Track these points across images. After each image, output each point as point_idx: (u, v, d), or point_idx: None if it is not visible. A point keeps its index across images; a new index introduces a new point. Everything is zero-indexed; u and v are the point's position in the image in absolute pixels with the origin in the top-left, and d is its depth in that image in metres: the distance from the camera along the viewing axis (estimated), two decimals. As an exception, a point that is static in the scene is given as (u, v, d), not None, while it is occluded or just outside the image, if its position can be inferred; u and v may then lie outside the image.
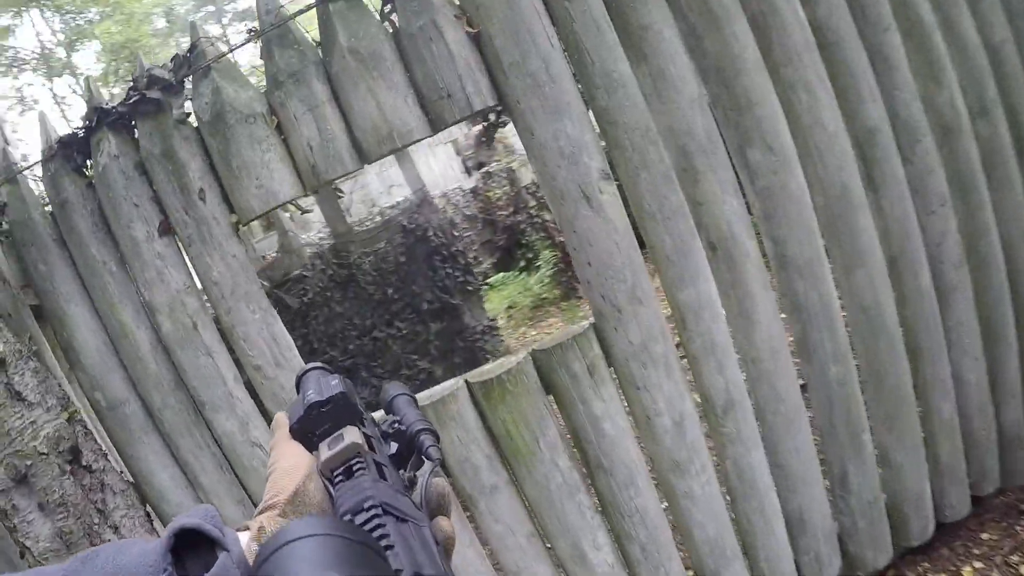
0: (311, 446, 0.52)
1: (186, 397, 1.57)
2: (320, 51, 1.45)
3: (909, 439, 1.63)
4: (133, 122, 1.53)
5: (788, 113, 1.47)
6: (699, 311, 1.45)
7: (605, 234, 1.40)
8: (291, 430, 0.53)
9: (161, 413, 1.58)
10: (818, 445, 1.62)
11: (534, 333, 5.49)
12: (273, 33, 1.44)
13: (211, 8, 19.69)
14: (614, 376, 1.50)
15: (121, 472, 1.64)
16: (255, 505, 1.39)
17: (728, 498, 1.62)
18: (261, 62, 1.49)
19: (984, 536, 1.74)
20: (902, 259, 1.57)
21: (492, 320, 5.00)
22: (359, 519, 0.39)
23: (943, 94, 1.55)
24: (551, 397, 1.49)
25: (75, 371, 1.63)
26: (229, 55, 1.49)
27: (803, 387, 1.57)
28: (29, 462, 1.38)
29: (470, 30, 1.38)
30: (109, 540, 1.54)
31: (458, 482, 1.48)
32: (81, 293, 1.59)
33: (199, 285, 1.54)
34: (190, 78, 1.51)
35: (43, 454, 1.46)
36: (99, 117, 1.53)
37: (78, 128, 1.57)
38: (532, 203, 6.13)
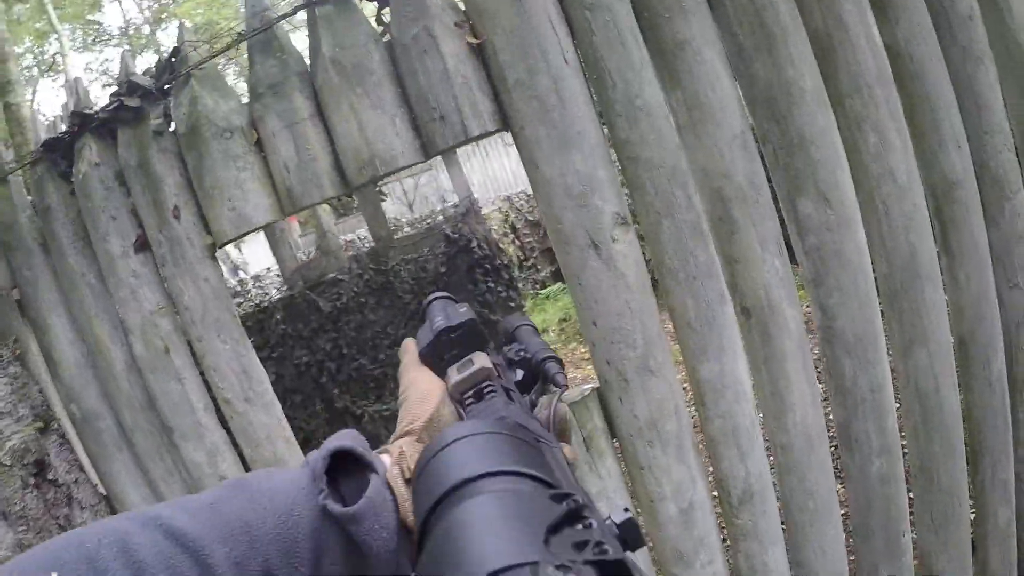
0: (440, 371, 0.46)
1: (157, 420, 1.24)
2: (308, 61, 1.07)
3: (957, 545, 1.16)
4: (116, 128, 1.19)
5: (851, 157, 1.01)
6: (722, 389, 1.02)
7: (615, 292, 0.98)
8: (420, 355, 0.47)
9: (132, 434, 1.25)
10: (849, 545, 1.17)
11: (583, 350, 4.82)
12: (257, 39, 1.07)
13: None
14: (618, 452, 1.09)
15: (95, 485, 1.33)
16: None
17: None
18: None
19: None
20: (973, 341, 1.09)
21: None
22: None
23: (1046, 143, 1.06)
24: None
25: (55, 380, 1.32)
26: (214, 60, 1.13)
27: (838, 479, 1.12)
28: (-21, 481, 1.08)
29: (474, 41, 0.98)
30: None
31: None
32: (62, 303, 1.27)
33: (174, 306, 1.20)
34: (173, 84, 1.16)
35: (6, 466, 1.18)
36: (82, 122, 1.20)
37: (63, 132, 1.24)
38: None
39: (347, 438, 0.38)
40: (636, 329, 0.99)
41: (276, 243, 4.44)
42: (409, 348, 0.49)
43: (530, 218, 5.42)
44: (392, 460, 0.38)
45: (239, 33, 1.10)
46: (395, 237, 4.01)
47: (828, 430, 1.11)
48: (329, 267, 3.59)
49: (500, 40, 0.95)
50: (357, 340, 3.56)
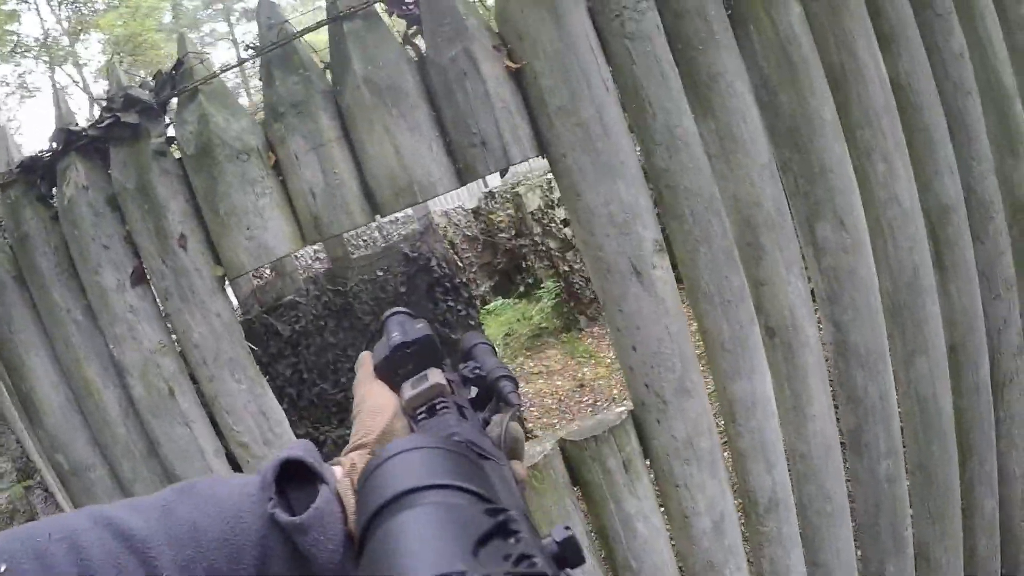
0: (395, 386, 0.46)
1: (160, 468, 1.15)
2: (330, 78, 1.03)
3: (951, 535, 1.28)
4: (108, 147, 1.09)
5: (862, 185, 1.08)
6: (752, 407, 1.07)
7: (655, 317, 1.00)
8: (375, 368, 0.48)
9: (132, 485, 1.15)
10: (856, 540, 1.26)
11: (532, 364, 4.74)
12: (275, 54, 1.01)
13: (219, 6, 15.96)
14: (650, 470, 1.12)
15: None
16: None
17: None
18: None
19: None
20: (963, 348, 1.21)
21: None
22: None
23: (1021, 168, 1.18)
24: (577, 489, 1.10)
25: (35, 428, 1.20)
26: (221, 75, 1.06)
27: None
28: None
29: (512, 65, 0.97)
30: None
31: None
32: (43, 342, 1.15)
33: (177, 344, 1.12)
34: (174, 101, 1.08)
35: (-13, 531, 1.05)
36: (67, 140, 1.09)
37: (43, 151, 1.13)
38: (537, 230, 5.22)
39: (299, 448, 0.38)
40: (675, 352, 1.02)
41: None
42: (365, 361, 0.50)
43: (468, 233, 5.40)
44: (343, 472, 0.39)
45: (253, 47, 1.04)
46: (352, 257, 3.88)
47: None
48: (285, 289, 3.42)
49: (541, 65, 0.95)
50: (317, 364, 3.41)
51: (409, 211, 5.36)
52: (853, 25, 1.05)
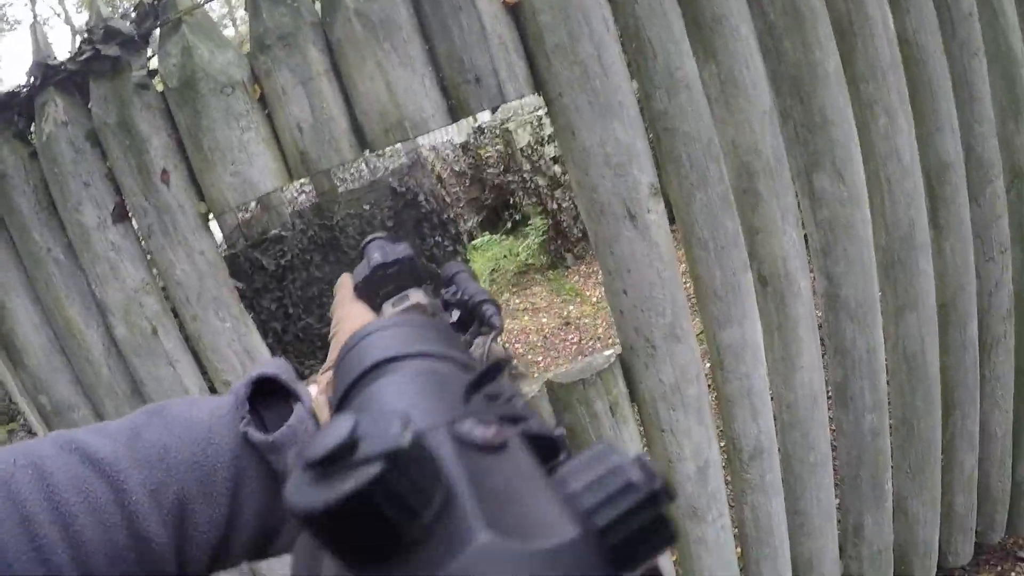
0: (375, 307, 0.45)
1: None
2: (319, 10, 0.99)
3: (929, 490, 1.32)
4: (87, 82, 1.06)
5: (862, 137, 1.08)
6: (741, 353, 1.08)
7: (648, 261, 1.00)
8: (356, 289, 0.47)
9: (115, 425, 1.15)
10: (836, 494, 1.29)
11: (517, 301, 4.74)
12: (261, -18, 0.98)
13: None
14: (636, 415, 1.14)
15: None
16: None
17: (738, 543, 1.29)
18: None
19: (978, 581, 1.46)
20: (953, 306, 1.22)
21: (478, 293, 4.42)
22: None
23: (1022, 133, 1.18)
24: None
25: (18, 370, 1.18)
26: (205, 6, 1.02)
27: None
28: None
29: (509, 1, 0.94)
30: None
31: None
32: (24, 283, 1.13)
33: (160, 283, 1.11)
34: (156, 32, 1.04)
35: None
36: (45, 74, 1.06)
37: (20, 86, 1.09)
38: (526, 166, 4.97)
39: (273, 366, 0.37)
40: (666, 298, 1.02)
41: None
42: (344, 283, 0.49)
43: (456, 168, 5.26)
44: (319, 390, 0.38)
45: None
46: (339, 191, 3.82)
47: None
48: (271, 223, 3.38)
49: (539, 1, 0.92)
50: (303, 298, 3.39)
51: (397, 145, 5.29)
52: (861, -27, 1.03)
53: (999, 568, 1.46)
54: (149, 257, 1.10)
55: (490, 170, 5.26)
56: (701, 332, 1.10)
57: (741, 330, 1.06)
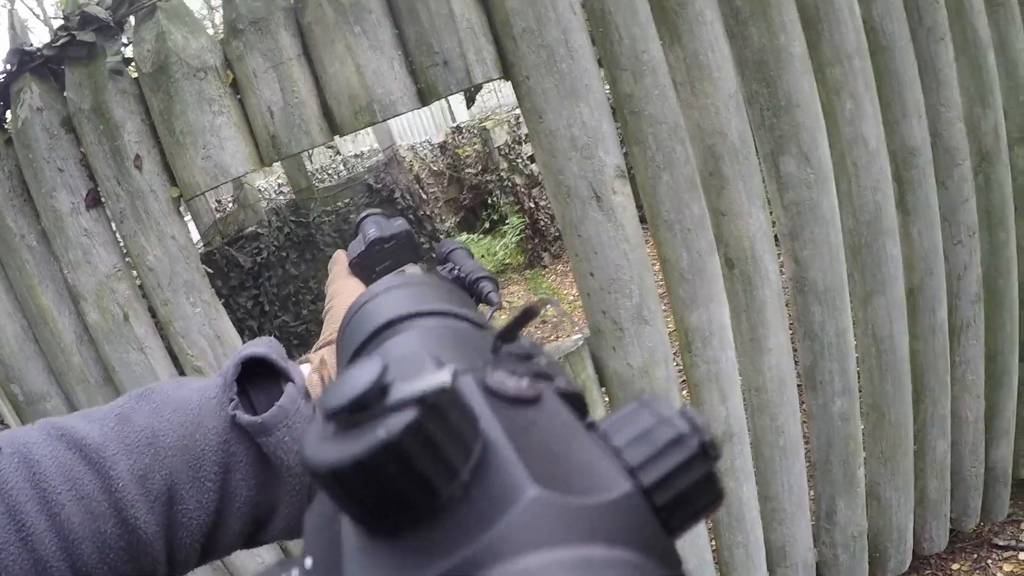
0: (370, 283, 0.43)
1: (116, 395, 1.15)
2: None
3: (902, 475, 1.33)
4: (63, 68, 1.07)
5: (829, 122, 1.10)
6: (708, 336, 1.10)
7: (614, 243, 1.02)
8: (351, 265, 0.46)
9: (89, 410, 1.16)
10: (809, 480, 1.30)
11: (512, 288, 4.73)
12: (233, -32, 0.99)
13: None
14: (605, 398, 1.15)
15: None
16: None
17: (710, 529, 1.30)
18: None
19: (955, 567, 1.47)
20: (921, 291, 1.24)
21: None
22: None
23: (989, 118, 1.20)
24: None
25: (-11, 357, 1.19)
26: (179, -7, 1.04)
27: (804, 419, 1.24)
28: None
29: (475, -15, 0.96)
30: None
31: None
32: (-5, 268, 1.14)
33: (132, 268, 1.12)
34: (132, 18, 1.06)
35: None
36: (21, 60, 1.07)
37: (-6, 70, 1.10)
38: (504, 165, 4.98)
39: (262, 345, 0.36)
40: (633, 279, 1.04)
41: (190, 197, 4.12)
42: (339, 259, 0.48)
43: (434, 168, 5.28)
44: (312, 368, 0.37)
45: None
46: (316, 188, 3.83)
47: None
48: (247, 220, 3.37)
49: (505, -14, 0.94)
50: (279, 296, 3.38)
51: (375, 144, 5.28)
52: (825, -41, 1.05)
53: (975, 556, 1.47)
54: (122, 243, 1.11)
55: (468, 170, 5.29)
56: (670, 317, 1.11)
57: (708, 312, 1.08)
